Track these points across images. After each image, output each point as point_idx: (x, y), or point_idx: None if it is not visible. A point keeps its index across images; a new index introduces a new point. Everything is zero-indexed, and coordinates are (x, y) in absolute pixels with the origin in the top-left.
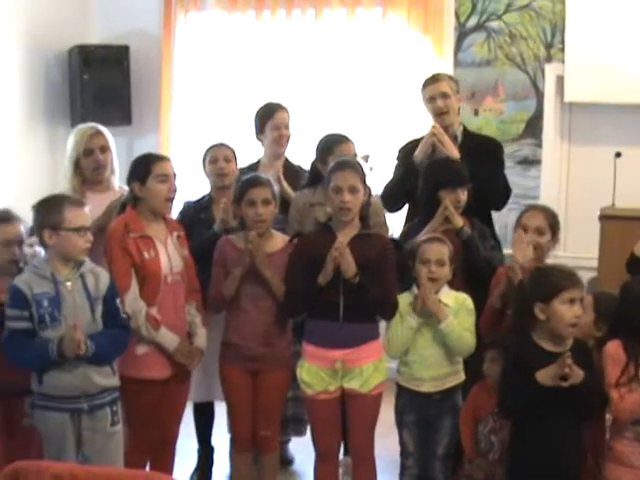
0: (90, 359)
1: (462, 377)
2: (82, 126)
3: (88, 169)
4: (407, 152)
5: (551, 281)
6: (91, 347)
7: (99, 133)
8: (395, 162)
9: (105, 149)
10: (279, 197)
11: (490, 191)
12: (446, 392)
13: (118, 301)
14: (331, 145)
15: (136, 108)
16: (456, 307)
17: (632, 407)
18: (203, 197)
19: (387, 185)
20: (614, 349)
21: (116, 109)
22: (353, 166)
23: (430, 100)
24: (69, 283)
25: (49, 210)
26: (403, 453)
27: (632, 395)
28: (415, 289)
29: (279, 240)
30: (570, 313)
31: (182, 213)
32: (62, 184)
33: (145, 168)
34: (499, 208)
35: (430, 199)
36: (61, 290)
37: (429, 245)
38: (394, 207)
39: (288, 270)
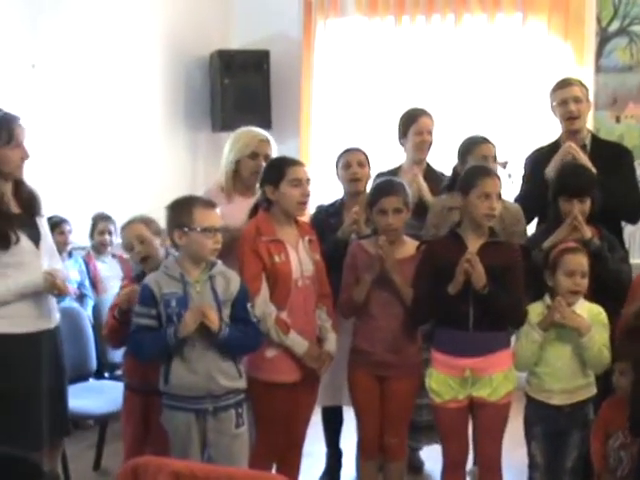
0: (220, 344)
1: (594, 390)
2: (250, 130)
3: (247, 171)
4: (533, 161)
5: None
6: (225, 330)
7: (268, 141)
8: (523, 171)
9: (268, 158)
10: (416, 200)
11: (623, 202)
12: (576, 405)
13: (249, 305)
14: (470, 146)
15: (276, 113)
16: (590, 319)
17: None
18: (335, 202)
19: (515, 200)
20: None
21: (256, 114)
22: (496, 173)
23: (562, 104)
24: (198, 285)
25: (179, 210)
26: (531, 465)
27: None
28: (547, 299)
29: (410, 247)
30: None
31: (314, 217)
32: (203, 186)
33: (279, 172)
34: (634, 221)
35: (556, 207)
36: (189, 291)
37: (573, 256)
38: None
39: (415, 276)
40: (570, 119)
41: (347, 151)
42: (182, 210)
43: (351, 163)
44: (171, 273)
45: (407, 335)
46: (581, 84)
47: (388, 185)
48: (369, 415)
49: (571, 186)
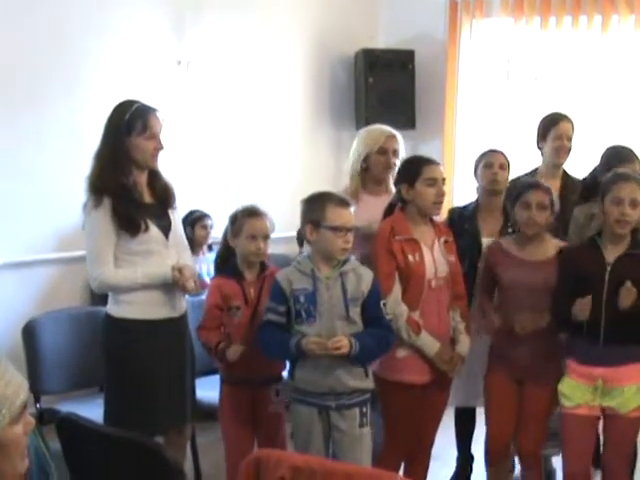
0: (353, 359)
1: None
2: (377, 127)
3: (378, 166)
4: None
5: None
6: (356, 346)
7: (395, 136)
8: None
9: (396, 153)
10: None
11: None
12: None
13: (382, 303)
14: (615, 161)
15: (420, 112)
16: None
17: None
18: (469, 204)
19: None
20: None
21: (400, 113)
22: (636, 179)
23: None
24: (329, 281)
25: (312, 206)
26: None
27: None
28: None
29: (551, 247)
30: None
31: (448, 219)
32: (344, 185)
33: (415, 170)
34: None
35: None
36: (319, 287)
37: None
38: None
39: (557, 281)
40: None
41: (490, 152)
42: (315, 206)
43: (493, 163)
44: (302, 269)
45: (547, 339)
46: None
47: (534, 181)
48: (500, 418)
49: None
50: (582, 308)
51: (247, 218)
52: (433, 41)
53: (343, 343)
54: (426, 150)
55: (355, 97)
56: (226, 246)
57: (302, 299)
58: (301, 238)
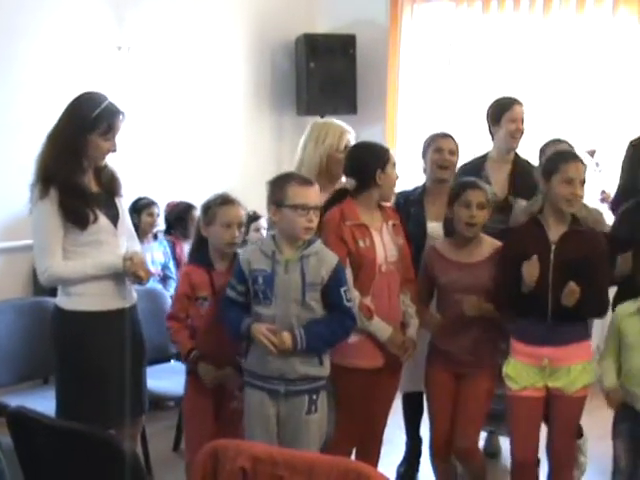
0: (302, 351)
1: None
2: (337, 123)
3: (336, 164)
4: (636, 148)
5: None
6: (301, 338)
7: (350, 132)
8: (623, 159)
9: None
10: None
11: None
12: None
13: (343, 289)
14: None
15: (362, 97)
16: None
17: None
18: (416, 189)
19: (617, 195)
20: None
21: (342, 98)
22: (581, 158)
23: None
24: (289, 263)
25: (275, 186)
26: (615, 470)
27: None
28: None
29: (487, 247)
30: None
31: (395, 203)
32: (287, 169)
33: (386, 155)
34: None
35: None
36: (277, 270)
37: None
38: None
39: (498, 264)
40: None
41: (440, 135)
42: (277, 186)
43: (443, 148)
44: (264, 249)
45: (485, 336)
46: None
47: (474, 180)
48: (442, 416)
49: None
50: (530, 270)
51: (220, 206)
52: (374, 25)
53: (286, 343)
54: (368, 135)
55: (296, 82)
56: (199, 236)
57: (260, 280)
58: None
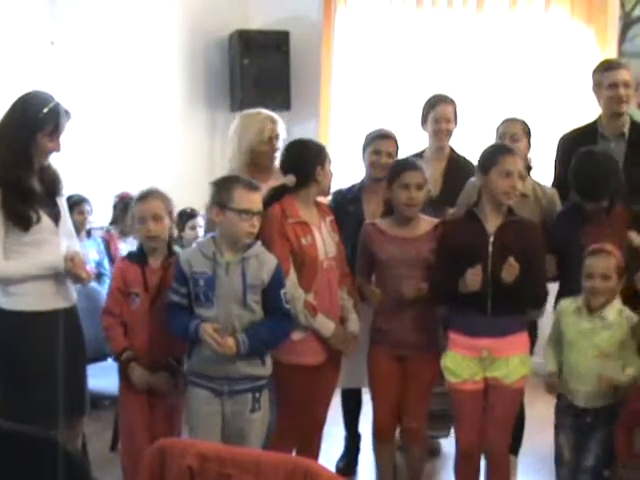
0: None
1: (621, 394)
2: (258, 112)
3: (263, 156)
4: (567, 141)
5: None
6: (244, 344)
7: (277, 121)
8: (556, 153)
9: (279, 137)
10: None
11: None
12: (601, 407)
13: (283, 292)
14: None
15: (295, 94)
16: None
17: None
18: (354, 186)
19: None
20: None
21: (275, 94)
22: (516, 152)
23: (611, 87)
24: (230, 266)
25: (221, 188)
26: (558, 461)
27: None
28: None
29: (425, 224)
30: None
31: (332, 201)
32: (224, 167)
33: (324, 152)
34: None
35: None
36: (218, 272)
37: (595, 258)
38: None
39: (435, 257)
40: (618, 103)
41: (380, 137)
42: (223, 188)
43: (381, 150)
44: (205, 251)
45: (428, 315)
46: (628, 67)
47: (411, 161)
48: (385, 396)
49: (583, 192)
50: (473, 278)
51: (137, 203)
52: (308, 22)
53: (230, 348)
54: (301, 131)
55: (230, 79)
56: None
57: (201, 282)
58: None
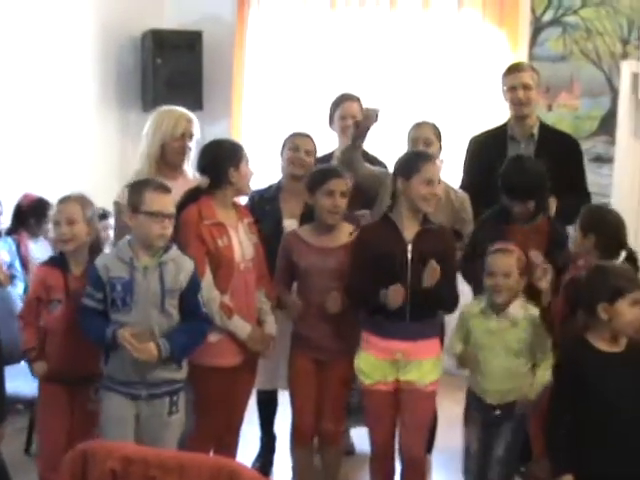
0: (166, 359)
1: (527, 390)
2: (172, 109)
3: (174, 153)
4: (477, 144)
5: (615, 283)
6: (165, 349)
7: (191, 120)
8: (465, 155)
9: (192, 136)
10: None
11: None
12: (509, 403)
13: (200, 295)
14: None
15: (208, 94)
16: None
17: None
18: (270, 187)
19: (461, 186)
20: None
21: (188, 94)
22: (436, 159)
23: (511, 90)
24: (146, 270)
25: (133, 191)
26: (466, 455)
27: None
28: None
29: (346, 231)
30: (633, 314)
31: (249, 202)
32: (135, 166)
33: (240, 153)
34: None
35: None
36: (136, 276)
37: (500, 256)
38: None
39: (350, 264)
40: (518, 105)
41: (299, 135)
42: (135, 191)
43: (300, 147)
44: (121, 256)
45: (347, 322)
46: (533, 70)
47: (335, 168)
48: (306, 400)
49: (513, 189)
50: (395, 296)
51: (55, 206)
52: (221, 22)
53: (152, 354)
54: (214, 131)
55: (142, 78)
56: None
57: (119, 287)
58: None
